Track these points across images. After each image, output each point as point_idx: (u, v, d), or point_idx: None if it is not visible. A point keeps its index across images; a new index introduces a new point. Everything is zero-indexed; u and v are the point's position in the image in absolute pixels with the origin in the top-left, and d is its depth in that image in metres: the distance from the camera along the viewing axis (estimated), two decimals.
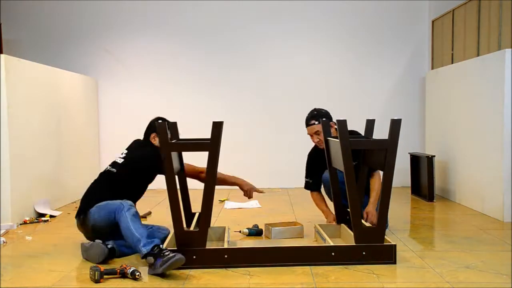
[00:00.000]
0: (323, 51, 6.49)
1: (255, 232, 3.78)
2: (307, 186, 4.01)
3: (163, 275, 2.81)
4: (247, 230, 3.77)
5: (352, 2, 6.40)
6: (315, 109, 3.86)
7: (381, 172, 3.61)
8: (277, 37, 6.46)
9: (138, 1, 6.44)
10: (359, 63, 6.47)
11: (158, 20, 6.47)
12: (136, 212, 3.16)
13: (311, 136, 3.80)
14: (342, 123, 3.02)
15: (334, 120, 3.64)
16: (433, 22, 6.27)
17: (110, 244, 3.16)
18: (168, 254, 2.82)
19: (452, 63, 5.66)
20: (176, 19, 6.47)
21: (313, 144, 3.90)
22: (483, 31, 5.03)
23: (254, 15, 6.46)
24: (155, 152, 3.43)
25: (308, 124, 3.79)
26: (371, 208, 3.65)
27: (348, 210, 3.45)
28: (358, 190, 3.20)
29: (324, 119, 3.65)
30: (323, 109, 3.85)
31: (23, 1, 6.44)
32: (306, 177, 3.99)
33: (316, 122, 3.72)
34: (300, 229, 3.73)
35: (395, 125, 3.00)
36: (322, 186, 3.99)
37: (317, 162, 3.87)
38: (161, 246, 2.91)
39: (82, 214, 3.36)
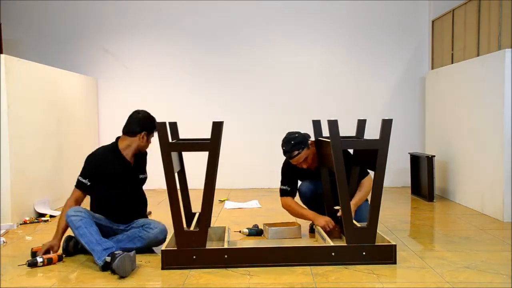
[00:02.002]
0: (323, 51, 6.48)
1: (255, 232, 3.77)
2: (285, 193, 3.77)
3: (123, 277, 2.82)
4: (247, 230, 3.77)
5: (352, 2, 6.40)
6: (290, 139, 3.56)
7: (368, 179, 3.61)
8: (277, 38, 6.46)
9: (138, 1, 6.44)
10: (359, 63, 6.47)
11: (158, 20, 6.47)
12: (78, 217, 3.10)
13: (298, 164, 3.62)
14: (333, 124, 3.01)
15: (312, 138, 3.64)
16: (433, 22, 6.27)
17: (113, 248, 3.04)
18: (112, 262, 2.83)
19: (452, 63, 5.66)
20: (176, 19, 6.47)
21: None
22: (483, 31, 5.03)
23: (255, 17, 6.46)
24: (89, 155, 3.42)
25: (291, 157, 3.56)
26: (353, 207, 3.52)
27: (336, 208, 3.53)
28: (349, 191, 3.19)
29: (302, 146, 3.54)
30: (296, 133, 3.60)
31: (23, 1, 6.44)
32: (283, 184, 3.76)
33: (298, 151, 3.53)
34: (297, 229, 3.71)
35: (386, 125, 2.99)
36: (299, 195, 3.87)
37: (293, 170, 3.72)
38: (109, 255, 2.90)
39: None
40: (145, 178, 3.60)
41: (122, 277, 2.81)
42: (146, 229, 3.33)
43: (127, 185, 3.42)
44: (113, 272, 2.85)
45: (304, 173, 3.73)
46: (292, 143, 3.53)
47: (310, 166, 3.64)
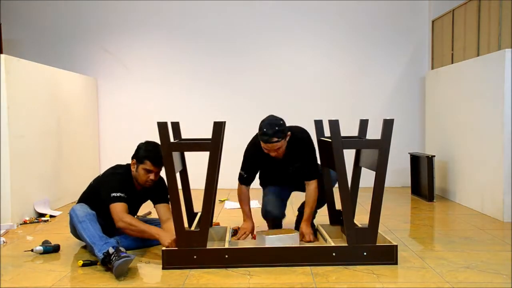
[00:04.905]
0: (323, 51, 6.48)
1: (52, 249, 3.37)
2: (241, 179, 3.61)
3: (117, 277, 2.81)
4: (41, 248, 3.34)
5: (352, 2, 6.40)
6: (274, 123, 3.28)
7: (315, 183, 3.52)
8: (277, 38, 6.45)
9: (138, 2, 6.44)
10: (359, 63, 6.47)
11: (158, 20, 6.47)
12: (84, 212, 3.17)
13: (266, 149, 3.35)
14: (334, 124, 3.01)
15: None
16: (433, 22, 6.27)
17: (115, 244, 3.03)
18: (115, 259, 2.81)
19: (452, 63, 5.66)
20: (176, 19, 6.47)
21: (251, 137, 3.57)
22: (483, 31, 5.03)
23: (255, 18, 6.46)
24: (104, 178, 3.40)
25: (268, 141, 3.28)
26: (305, 227, 3.48)
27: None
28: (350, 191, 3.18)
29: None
30: (280, 119, 3.33)
31: (23, 1, 6.43)
32: (242, 169, 3.59)
33: (278, 139, 3.27)
34: (295, 237, 3.33)
35: (388, 125, 3.00)
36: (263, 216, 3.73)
37: (257, 158, 3.54)
38: (114, 248, 2.90)
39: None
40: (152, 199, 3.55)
41: (117, 276, 2.81)
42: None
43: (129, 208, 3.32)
44: (110, 268, 2.85)
45: (269, 160, 3.49)
46: (277, 129, 3.25)
47: (278, 155, 3.41)
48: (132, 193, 3.38)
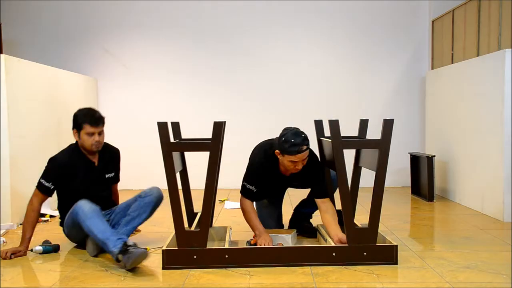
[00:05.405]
0: (323, 51, 6.48)
1: (52, 248, 3.39)
2: (249, 194, 3.40)
3: (132, 270, 2.91)
4: (40, 248, 3.36)
5: (352, 2, 6.40)
6: (298, 132, 3.19)
7: (329, 201, 3.45)
8: (277, 38, 6.46)
9: (138, 2, 6.44)
10: (359, 63, 6.47)
11: (158, 20, 6.47)
12: (91, 208, 3.14)
13: (294, 163, 3.20)
14: (334, 124, 3.02)
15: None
16: (433, 22, 6.27)
17: (126, 238, 3.04)
18: (131, 251, 2.88)
19: (452, 63, 5.66)
20: (176, 19, 6.47)
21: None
22: (483, 31, 5.03)
23: (256, 18, 6.46)
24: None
25: (300, 151, 3.14)
26: (340, 233, 3.23)
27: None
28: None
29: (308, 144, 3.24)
30: (297, 128, 3.26)
31: (23, 1, 6.43)
32: (250, 183, 3.39)
33: (307, 147, 3.20)
34: (287, 238, 3.36)
35: (388, 125, 3.00)
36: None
37: (269, 174, 3.41)
38: (126, 242, 2.95)
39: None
40: (114, 178, 3.61)
41: (129, 268, 2.89)
42: (141, 199, 3.36)
43: (90, 185, 3.41)
44: (125, 259, 2.88)
45: (276, 176, 3.42)
46: (303, 136, 3.16)
47: (299, 169, 3.26)
48: (86, 168, 3.41)
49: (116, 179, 3.67)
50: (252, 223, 3.38)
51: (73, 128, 3.40)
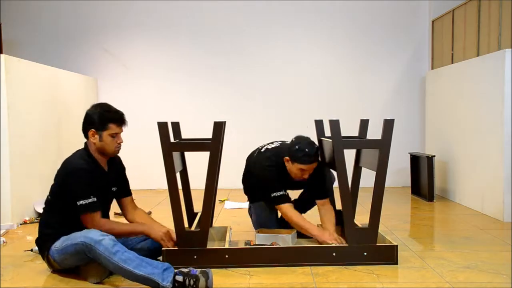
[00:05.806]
0: (323, 51, 6.48)
1: None
2: (285, 198, 3.34)
3: None
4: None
5: (352, 2, 6.40)
6: (311, 142, 3.30)
7: (328, 202, 3.47)
8: (277, 38, 6.46)
9: (138, 2, 6.44)
10: (359, 63, 6.47)
11: (158, 20, 6.47)
12: (114, 241, 2.62)
13: (303, 171, 3.28)
14: (335, 123, 3.02)
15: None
16: (433, 22, 6.27)
17: (169, 266, 2.64)
18: (193, 282, 2.52)
19: (452, 63, 5.66)
20: (176, 19, 6.47)
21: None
22: (483, 31, 5.03)
23: (255, 17, 6.46)
24: (70, 165, 2.84)
25: (313, 161, 3.25)
26: (333, 229, 3.30)
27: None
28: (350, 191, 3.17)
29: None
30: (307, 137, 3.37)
31: (23, 1, 6.43)
32: (279, 190, 3.32)
33: (318, 158, 3.32)
34: (287, 238, 3.30)
35: (388, 125, 3.00)
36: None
37: (283, 177, 3.39)
38: (177, 272, 2.56)
39: (44, 253, 2.90)
40: (121, 191, 3.12)
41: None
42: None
43: (104, 199, 2.95)
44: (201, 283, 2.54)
45: (287, 182, 3.43)
46: (316, 147, 3.29)
47: (301, 177, 3.33)
48: (101, 177, 2.91)
49: (127, 191, 3.15)
50: (307, 227, 3.28)
51: (89, 129, 2.87)
